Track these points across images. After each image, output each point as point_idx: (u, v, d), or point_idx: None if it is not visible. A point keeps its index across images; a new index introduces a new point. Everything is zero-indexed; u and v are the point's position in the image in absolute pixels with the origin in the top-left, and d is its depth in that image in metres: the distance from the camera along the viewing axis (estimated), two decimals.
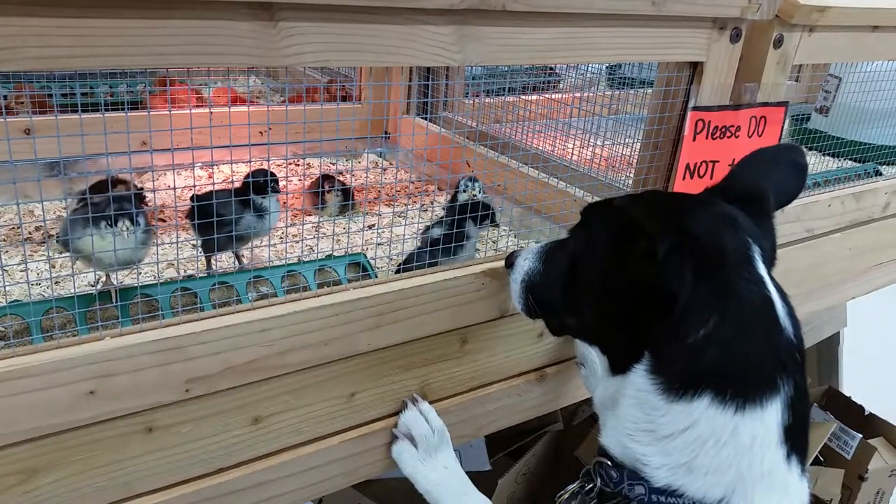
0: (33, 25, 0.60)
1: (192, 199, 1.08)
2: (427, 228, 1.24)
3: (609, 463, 0.72)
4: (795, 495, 0.68)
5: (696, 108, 1.11)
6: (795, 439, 0.67)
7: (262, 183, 1.08)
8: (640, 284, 0.67)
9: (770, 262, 0.74)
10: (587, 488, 0.74)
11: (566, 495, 0.77)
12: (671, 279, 0.65)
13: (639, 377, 0.69)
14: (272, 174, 1.10)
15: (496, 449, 1.86)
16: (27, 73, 1.46)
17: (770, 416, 0.66)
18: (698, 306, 0.65)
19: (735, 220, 0.72)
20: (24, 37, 0.60)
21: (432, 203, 1.49)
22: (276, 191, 1.09)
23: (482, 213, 1.21)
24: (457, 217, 1.20)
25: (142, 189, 1.31)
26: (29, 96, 1.48)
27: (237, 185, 1.11)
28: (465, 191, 1.38)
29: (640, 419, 0.69)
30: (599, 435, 0.76)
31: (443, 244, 1.07)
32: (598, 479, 0.73)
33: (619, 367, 0.72)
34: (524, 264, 0.88)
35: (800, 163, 0.87)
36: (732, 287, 0.67)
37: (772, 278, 0.71)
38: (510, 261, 0.92)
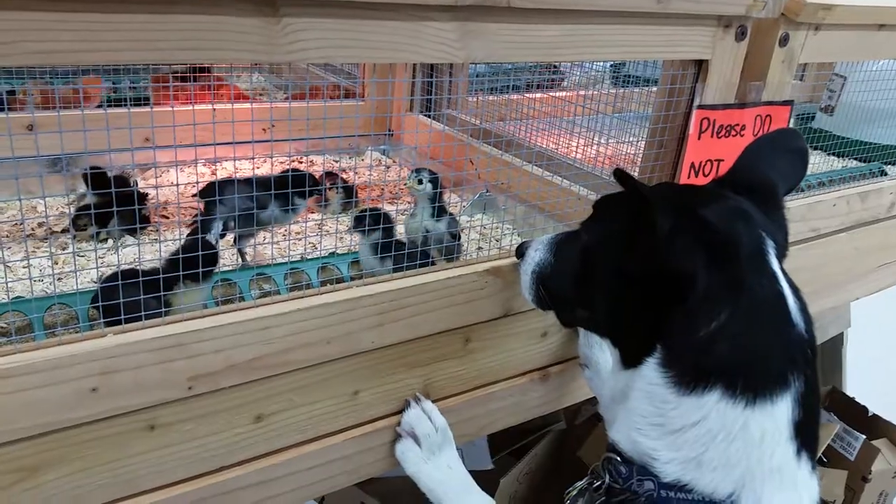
0: (33, 19, 0.60)
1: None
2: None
3: (618, 458, 0.72)
4: (805, 492, 0.67)
5: (701, 107, 1.10)
6: (805, 435, 0.67)
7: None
8: (651, 267, 0.67)
9: (782, 255, 0.73)
10: (595, 485, 0.73)
11: (574, 492, 0.76)
12: (682, 259, 0.65)
13: (650, 370, 0.69)
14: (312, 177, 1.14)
15: (499, 448, 1.87)
16: (30, 69, 1.46)
17: (780, 412, 0.65)
18: (711, 299, 0.65)
19: (748, 214, 0.72)
20: (24, 31, 0.60)
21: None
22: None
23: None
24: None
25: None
26: (38, 91, 1.48)
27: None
28: (419, 182, 1.27)
29: (650, 413, 0.69)
30: (608, 430, 0.76)
31: None
32: (607, 476, 0.72)
33: (630, 360, 0.72)
34: (535, 255, 0.87)
35: (801, 147, 0.87)
36: (745, 281, 0.66)
37: (784, 273, 0.71)
38: (521, 251, 0.91)
